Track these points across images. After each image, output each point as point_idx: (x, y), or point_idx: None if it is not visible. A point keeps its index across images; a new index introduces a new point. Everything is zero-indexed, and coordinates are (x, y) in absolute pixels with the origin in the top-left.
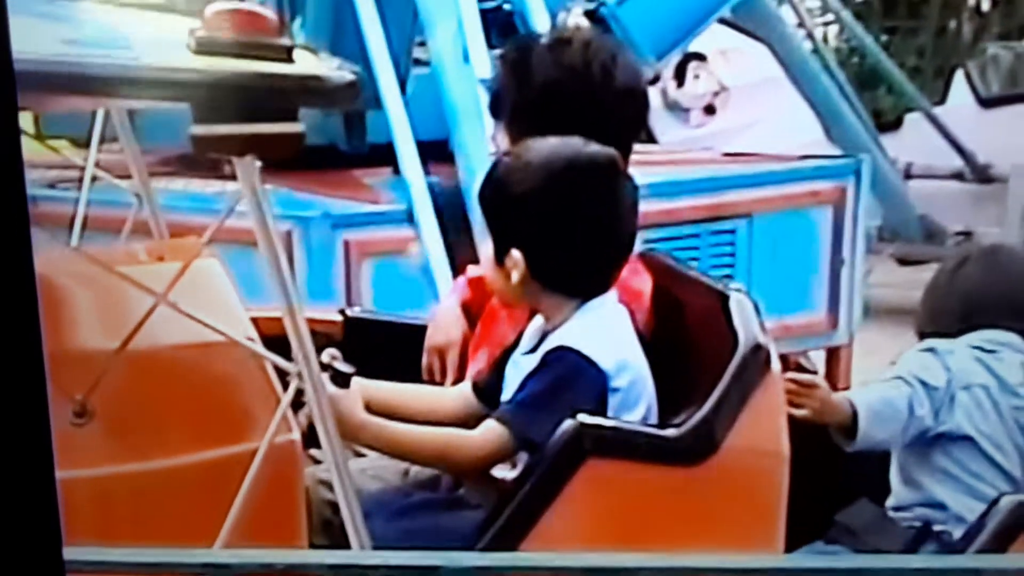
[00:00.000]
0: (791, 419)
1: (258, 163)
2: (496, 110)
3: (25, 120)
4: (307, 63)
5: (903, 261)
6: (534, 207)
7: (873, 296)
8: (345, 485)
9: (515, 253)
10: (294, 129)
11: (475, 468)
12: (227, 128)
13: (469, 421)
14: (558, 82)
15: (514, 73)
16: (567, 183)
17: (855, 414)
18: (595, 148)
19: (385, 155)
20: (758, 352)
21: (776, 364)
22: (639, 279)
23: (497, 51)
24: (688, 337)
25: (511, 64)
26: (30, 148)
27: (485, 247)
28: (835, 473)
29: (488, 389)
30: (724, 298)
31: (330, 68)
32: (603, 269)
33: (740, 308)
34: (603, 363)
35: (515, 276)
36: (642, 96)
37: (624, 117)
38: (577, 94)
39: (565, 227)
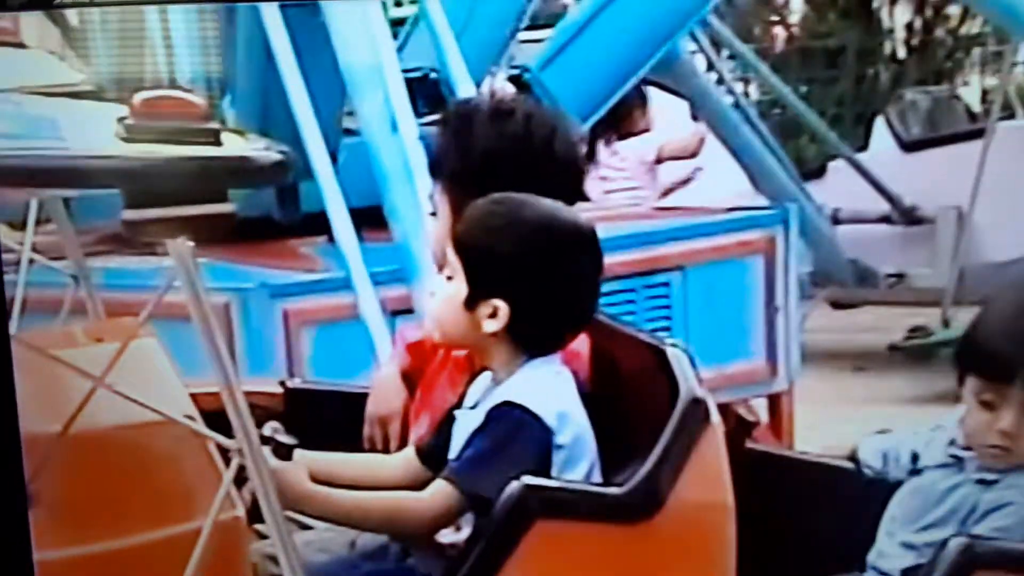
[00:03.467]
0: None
1: (191, 243)
2: (435, 171)
3: None
4: (235, 145)
5: (837, 305)
6: (531, 263)
7: (809, 342)
8: (291, 560)
9: (500, 304)
10: (225, 209)
11: (425, 530)
12: (158, 212)
13: (414, 486)
14: (500, 152)
15: (455, 139)
16: (565, 245)
17: None
18: (584, 216)
19: (319, 223)
20: (697, 405)
21: (716, 416)
22: (576, 339)
23: (425, 118)
24: (626, 394)
25: (452, 130)
26: None
27: (447, 289)
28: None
29: (431, 452)
30: (660, 353)
31: (257, 149)
32: (572, 330)
33: (677, 362)
34: (547, 419)
35: (490, 326)
36: (580, 166)
37: (563, 186)
38: (518, 164)
39: (556, 287)
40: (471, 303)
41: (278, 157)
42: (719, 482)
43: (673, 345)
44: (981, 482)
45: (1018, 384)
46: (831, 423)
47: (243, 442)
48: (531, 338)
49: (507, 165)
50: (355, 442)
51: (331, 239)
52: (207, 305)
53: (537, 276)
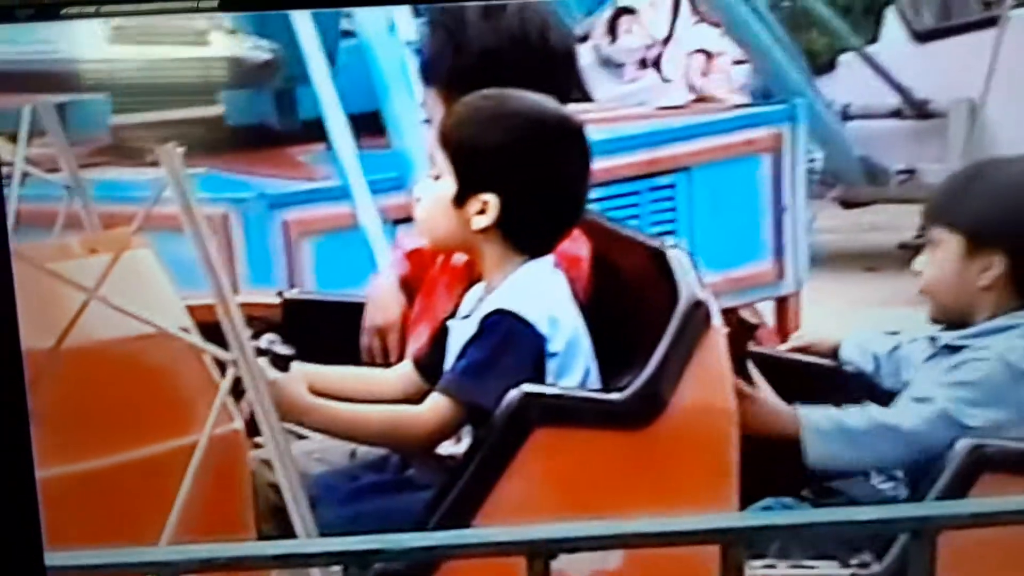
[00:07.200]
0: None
1: (180, 149)
2: (428, 75)
3: None
4: (223, 45)
5: (846, 204)
6: (519, 156)
7: (819, 242)
8: (288, 472)
9: (489, 198)
10: (213, 112)
11: (425, 443)
12: (145, 116)
13: (413, 399)
14: (496, 50)
15: (449, 40)
16: (554, 137)
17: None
18: (570, 109)
19: (317, 130)
20: (698, 308)
21: (717, 319)
22: (576, 244)
23: (423, 18)
24: (628, 299)
25: (445, 30)
26: None
27: (434, 189)
28: None
29: (429, 364)
30: (661, 255)
31: (246, 48)
32: (562, 228)
33: (678, 263)
34: (539, 326)
35: (480, 222)
36: (574, 59)
37: (558, 80)
38: (515, 60)
39: (545, 180)
40: (460, 200)
41: (267, 56)
42: (722, 386)
43: (674, 246)
44: (948, 348)
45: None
46: (842, 325)
47: (238, 353)
48: (522, 235)
49: (503, 62)
50: (355, 353)
51: (330, 146)
52: (198, 212)
53: (525, 167)
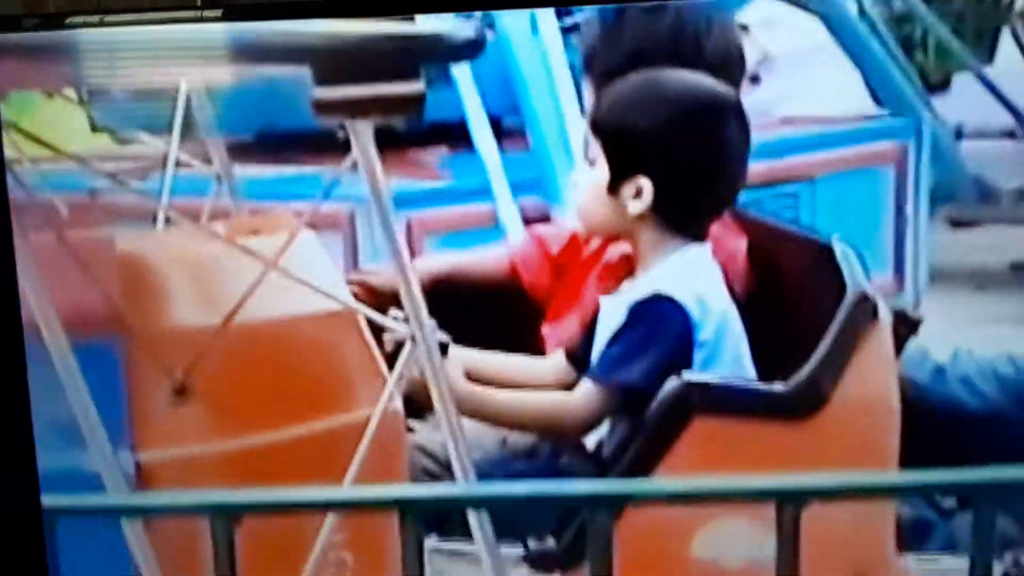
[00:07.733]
0: None
1: (371, 125)
2: (586, 67)
3: (79, 114)
4: (429, 22)
5: (956, 223)
6: (670, 136)
7: (928, 260)
8: (460, 451)
9: (644, 182)
10: (416, 89)
11: (575, 430)
12: (350, 90)
13: (566, 387)
14: (645, 52)
15: (605, 36)
16: (707, 115)
17: None
18: (729, 90)
19: (435, 134)
20: (865, 302)
21: (884, 315)
22: (734, 238)
23: (566, 20)
24: (788, 293)
25: (603, 26)
26: (88, 142)
27: (590, 176)
28: None
29: (582, 356)
30: (826, 249)
31: (452, 26)
32: (719, 208)
33: (846, 259)
34: (691, 311)
35: (635, 207)
36: (736, 62)
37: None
38: (663, 65)
39: (700, 159)
40: (614, 185)
41: (471, 34)
42: (885, 382)
43: (838, 241)
44: None
45: None
46: (953, 343)
47: (416, 329)
48: (678, 218)
49: (653, 64)
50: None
51: (451, 149)
52: (385, 188)
53: (677, 148)
